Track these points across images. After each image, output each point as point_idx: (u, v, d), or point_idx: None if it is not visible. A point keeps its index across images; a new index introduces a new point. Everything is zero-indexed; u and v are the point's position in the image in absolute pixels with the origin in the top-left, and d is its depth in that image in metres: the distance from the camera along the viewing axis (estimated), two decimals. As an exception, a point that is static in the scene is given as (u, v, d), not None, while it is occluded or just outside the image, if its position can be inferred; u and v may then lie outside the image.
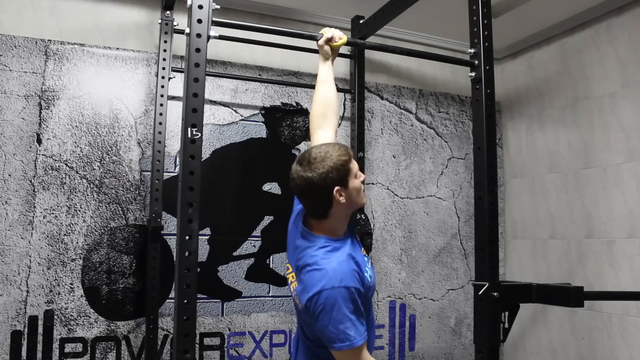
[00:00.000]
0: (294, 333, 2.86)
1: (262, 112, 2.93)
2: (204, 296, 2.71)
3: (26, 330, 2.37)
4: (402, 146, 3.27)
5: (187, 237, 1.58)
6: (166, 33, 2.58)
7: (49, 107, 2.50)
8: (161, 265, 2.53)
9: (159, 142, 2.54)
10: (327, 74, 1.87)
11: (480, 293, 1.82)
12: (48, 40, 2.53)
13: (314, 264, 1.49)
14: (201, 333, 2.69)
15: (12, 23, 2.48)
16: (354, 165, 1.58)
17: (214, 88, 2.83)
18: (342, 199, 1.52)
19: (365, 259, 1.64)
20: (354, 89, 3.00)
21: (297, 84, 2.99)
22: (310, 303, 1.44)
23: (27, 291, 2.40)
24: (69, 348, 2.44)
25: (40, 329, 2.40)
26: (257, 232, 2.85)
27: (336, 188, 1.51)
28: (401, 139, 3.27)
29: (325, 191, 1.51)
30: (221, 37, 2.02)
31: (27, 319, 2.38)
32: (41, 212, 2.45)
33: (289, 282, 1.64)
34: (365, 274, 1.55)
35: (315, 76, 3.10)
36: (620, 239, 2.75)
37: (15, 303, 2.37)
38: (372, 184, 3.16)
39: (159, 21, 2.60)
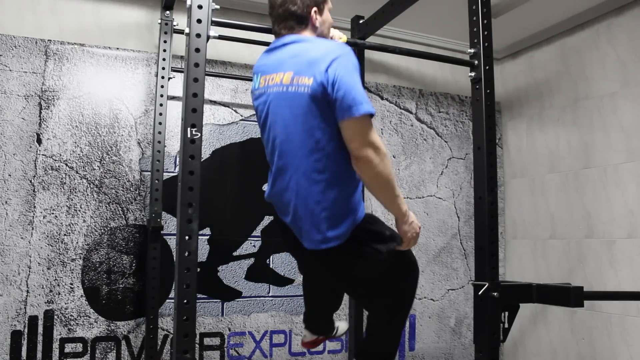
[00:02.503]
0: (294, 333, 2.87)
1: (262, 112, 2.93)
2: (204, 296, 2.71)
3: (26, 330, 2.37)
4: (402, 146, 3.27)
5: (187, 237, 1.58)
6: (166, 33, 2.58)
7: (49, 107, 2.51)
8: (161, 265, 2.53)
9: (159, 142, 2.54)
10: None
11: (480, 293, 1.82)
12: (48, 40, 2.53)
13: (316, 41, 1.60)
14: (201, 333, 2.69)
15: (12, 23, 2.48)
16: (330, 1, 1.73)
17: (214, 88, 2.83)
18: (317, 22, 1.65)
19: None
20: (354, 89, 3.00)
21: (297, 84, 2.98)
22: (332, 63, 1.47)
23: (27, 291, 2.40)
24: (69, 348, 2.44)
25: (40, 329, 2.40)
26: (257, 232, 2.85)
27: (314, 8, 1.64)
28: (401, 139, 3.27)
29: (306, 7, 1.63)
30: (221, 37, 2.02)
31: (27, 319, 2.38)
32: (41, 212, 2.45)
33: (270, 84, 1.61)
34: None
35: (315, 76, 3.10)
36: (620, 239, 2.75)
37: (15, 303, 2.37)
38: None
39: (159, 21, 2.60)
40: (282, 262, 2.89)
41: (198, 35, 1.65)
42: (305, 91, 1.50)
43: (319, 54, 1.51)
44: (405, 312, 1.81)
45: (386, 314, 1.79)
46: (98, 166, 2.57)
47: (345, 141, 1.50)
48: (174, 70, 2.63)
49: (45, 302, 2.42)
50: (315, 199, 1.54)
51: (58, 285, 2.45)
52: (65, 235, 2.48)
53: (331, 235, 1.54)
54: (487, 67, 1.96)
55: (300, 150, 1.54)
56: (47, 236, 2.45)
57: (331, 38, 1.88)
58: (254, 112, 2.90)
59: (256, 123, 2.91)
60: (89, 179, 2.55)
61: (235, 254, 2.81)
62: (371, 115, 1.48)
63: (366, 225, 1.60)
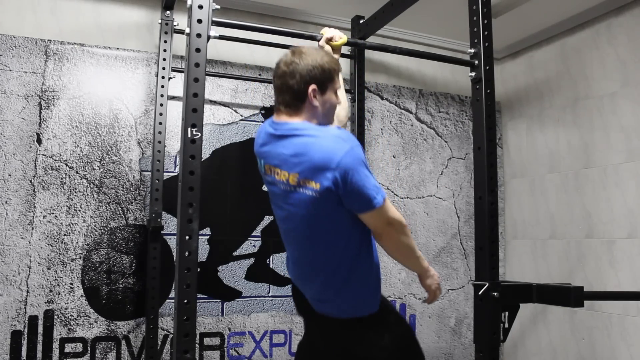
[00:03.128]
0: (294, 333, 2.86)
1: (262, 112, 2.94)
2: (204, 296, 2.71)
3: (26, 330, 2.37)
4: (402, 146, 3.27)
5: (187, 237, 1.58)
6: (166, 33, 2.58)
7: (49, 107, 2.50)
8: (161, 265, 2.53)
9: (159, 142, 2.54)
10: None
11: (480, 293, 1.82)
12: (48, 40, 2.53)
13: (316, 138, 1.48)
14: (201, 333, 2.69)
15: (12, 23, 2.48)
16: (340, 80, 1.61)
17: (214, 88, 2.83)
18: (315, 102, 1.54)
19: None
20: (354, 89, 3.00)
21: (297, 84, 2.98)
22: (335, 174, 1.42)
23: (27, 291, 2.40)
24: (69, 348, 2.44)
25: (40, 329, 2.40)
26: (257, 232, 2.85)
27: (313, 86, 1.52)
28: (401, 139, 3.27)
29: (303, 83, 1.52)
30: (221, 37, 2.02)
31: (27, 319, 2.38)
32: (41, 212, 2.45)
33: (276, 178, 1.58)
34: None
35: (315, 76, 3.10)
36: (620, 239, 2.75)
37: (15, 303, 2.37)
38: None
39: (159, 21, 2.60)
40: (282, 262, 2.89)
41: (199, 35, 1.65)
42: (313, 194, 1.47)
43: (323, 158, 1.44)
44: None
45: None
46: (98, 166, 2.57)
47: (366, 224, 1.54)
48: (174, 70, 2.63)
49: (45, 302, 2.42)
50: (329, 285, 1.58)
51: (58, 285, 2.45)
52: (65, 235, 2.48)
53: (343, 307, 1.59)
54: (488, 67, 1.96)
55: (313, 242, 1.57)
56: (47, 236, 2.45)
57: (330, 39, 1.88)
58: (254, 112, 2.92)
59: (256, 123, 2.92)
60: (89, 179, 2.55)
61: (235, 254, 2.81)
62: (384, 204, 1.49)
63: (379, 312, 1.62)
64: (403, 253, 1.62)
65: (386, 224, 1.53)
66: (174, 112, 2.69)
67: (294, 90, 1.53)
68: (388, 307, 1.70)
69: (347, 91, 3.05)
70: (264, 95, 2.95)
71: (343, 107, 1.83)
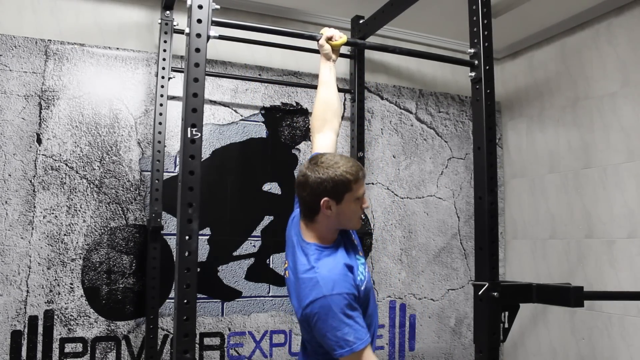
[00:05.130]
0: (294, 333, 2.87)
1: (262, 112, 2.94)
2: (204, 296, 2.71)
3: (26, 330, 2.37)
4: (402, 146, 3.27)
5: (187, 237, 1.58)
6: (166, 33, 2.58)
7: (49, 107, 2.51)
8: (161, 265, 2.53)
9: (159, 142, 2.54)
10: (328, 75, 1.87)
11: (480, 293, 1.82)
12: (48, 40, 2.53)
13: (305, 271, 1.50)
14: (201, 333, 2.69)
15: (12, 23, 2.48)
16: (358, 187, 1.54)
17: (214, 88, 2.83)
18: (329, 213, 1.52)
19: (360, 261, 1.63)
20: (354, 89, 3.00)
21: (297, 84, 2.99)
22: (304, 313, 1.46)
23: (27, 291, 2.40)
24: (69, 348, 2.44)
25: (40, 329, 2.40)
26: (257, 232, 2.85)
27: (325, 198, 1.50)
28: (401, 139, 3.27)
29: (316, 196, 1.51)
30: (221, 37, 2.02)
31: (27, 319, 2.38)
32: (41, 212, 2.45)
33: (286, 277, 1.65)
34: (357, 276, 1.55)
35: (315, 76, 3.10)
36: (620, 239, 2.75)
37: (15, 303, 2.37)
38: (372, 184, 3.16)
39: (159, 21, 2.60)
40: (282, 262, 2.89)
41: (198, 35, 1.65)
42: (298, 316, 1.55)
43: (300, 293, 1.48)
44: None
45: None
46: (98, 166, 2.57)
47: None
48: (174, 70, 2.63)
49: (45, 302, 2.42)
50: None
51: (58, 285, 2.45)
52: (65, 235, 2.48)
53: None
54: (487, 67, 1.96)
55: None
56: (47, 236, 2.45)
57: (330, 38, 1.88)
58: (254, 112, 2.92)
59: (256, 123, 2.92)
60: (89, 179, 2.55)
61: (235, 254, 2.81)
62: (348, 356, 1.42)
63: None
64: None
65: None
66: (174, 112, 2.69)
67: (307, 203, 1.55)
68: None
69: (347, 91, 3.06)
70: (264, 95, 2.95)
71: (339, 105, 1.84)
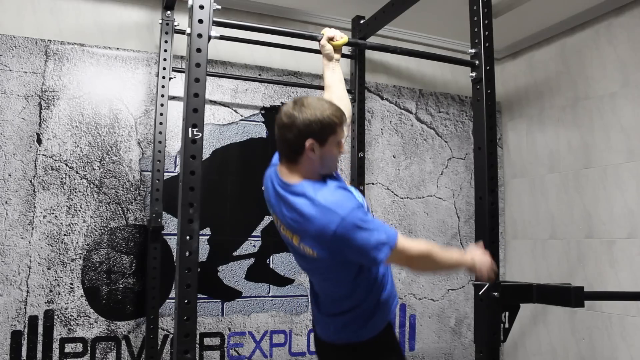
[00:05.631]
0: (294, 333, 2.87)
1: (262, 112, 2.93)
2: (204, 296, 2.70)
3: (26, 330, 2.37)
4: (402, 146, 3.27)
5: (187, 237, 1.58)
6: (167, 33, 2.57)
7: (49, 107, 2.50)
8: (161, 265, 2.53)
9: (159, 142, 2.54)
10: (332, 78, 1.87)
11: (480, 293, 1.82)
12: (48, 40, 2.53)
13: (310, 207, 1.47)
14: (201, 333, 2.69)
15: (12, 23, 2.48)
16: (341, 132, 1.56)
17: (214, 88, 2.83)
18: (312, 155, 1.51)
19: (352, 188, 1.66)
20: (354, 89, 3.00)
21: (297, 84, 2.99)
22: (332, 245, 1.44)
23: (27, 291, 2.40)
24: (69, 348, 2.44)
25: (40, 329, 2.39)
26: (257, 232, 2.85)
27: (310, 140, 1.49)
28: (401, 139, 3.27)
29: (301, 137, 1.50)
30: (222, 37, 2.02)
31: (27, 319, 2.38)
32: (41, 212, 2.45)
33: (281, 230, 1.62)
34: (357, 197, 1.57)
35: (315, 76, 3.11)
36: (620, 239, 2.75)
37: (15, 303, 2.37)
38: (372, 184, 3.16)
39: (160, 21, 2.60)
40: (282, 262, 2.89)
41: (199, 36, 1.65)
42: (314, 256, 1.50)
43: (317, 230, 1.44)
44: None
45: None
46: (98, 166, 2.57)
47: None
48: (175, 70, 2.63)
49: (45, 302, 2.42)
50: (335, 311, 1.64)
51: (58, 285, 2.45)
52: (65, 235, 2.48)
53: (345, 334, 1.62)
54: (488, 67, 1.96)
55: (323, 283, 1.65)
56: (47, 236, 2.45)
57: (331, 39, 1.87)
58: (254, 112, 2.92)
59: (256, 123, 2.92)
60: (89, 179, 2.54)
61: (235, 254, 2.81)
62: (390, 253, 1.46)
63: (381, 338, 1.65)
64: (437, 272, 1.71)
65: (404, 263, 1.58)
66: (174, 112, 2.68)
67: (291, 144, 1.52)
68: (389, 337, 1.69)
69: (347, 91, 3.05)
70: (264, 95, 2.95)
71: (346, 108, 1.82)
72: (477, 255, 1.67)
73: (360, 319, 1.61)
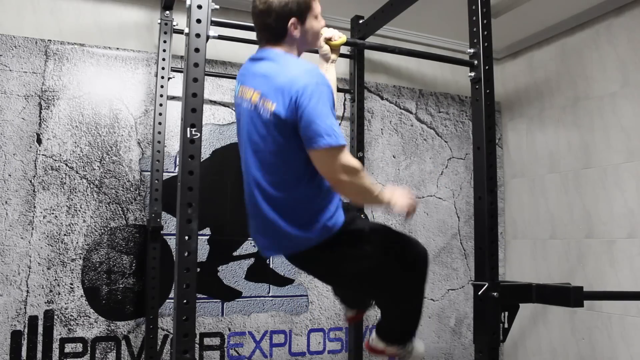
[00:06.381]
0: (294, 333, 2.87)
1: (262, 112, 2.93)
2: (204, 296, 2.71)
3: (26, 330, 2.37)
4: (402, 146, 3.27)
5: (186, 237, 1.58)
6: (166, 33, 2.58)
7: (49, 107, 2.51)
8: (161, 265, 2.53)
9: (159, 142, 2.54)
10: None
11: (480, 293, 1.82)
12: (48, 40, 2.53)
13: (287, 65, 1.52)
14: (201, 333, 2.69)
15: (12, 23, 2.48)
16: (317, 6, 1.61)
17: (213, 88, 2.83)
18: (296, 33, 1.57)
19: None
20: (354, 89, 3.00)
21: (297, 84, 2.98)
22: (297, 95, 1.44)
23: (27, 291, 2.40)
24: (69, 348, 2.44)
25: (40, 329, 2.40)
26: (257, 232, 2.85)
27: (292, 20, 1.55)
28: (401, 139, 3.27)
29: (282, 20, 1.54)
30: (220, 37, 2.02)
31: (27, 319, 2.38)
32: (41, 212, 2.45)
33: (244, 97, 1.60)
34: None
35: (315, 76, 3.09)
36: (620, 239, 2.75)
37: (15, 303, 2.37)
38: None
39: (159, 21, 2.60)
40: (282, 262, 2.89)
41: (198, 35, 1.65)
42: (268, 116, 1.49)
43: (285, 81, 1.47)
44: (414, 300, 1.77)
45: (391, 304, 1.78)
46: (98, 166, 2.57)
47: (317, 168, 1.52)
48: (174, 70, 2.63)
49: (45, 302, 2.42)
50: (276, 209, 1.57)
51: (58, 285, 2.45)
52: (65, 235, 2.48)
53: (303, 237, 1.57)
54: (487, 67, 1.96)
55: (262, 167, 1.58)
56: (47, 236, 2.45)
57: (329, 39, 1.87)
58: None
59: (256, 123, 2.92)
60: (89, 179, 2.55)
61: (235, 254, 2.81)
62: (335, 147, 1.45)
63: (345, 227, 1.62)
64: (359, 198, 1.63)
65: (334, 171, 1.49)
66: (174, 112, 2.69)
67: (273, 28, 1.56)
68: (353, 224, 1.66)
69: (347, 91, 3.05)
70: (264, 95, 2.95)
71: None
72: (397, 192, 1.64)
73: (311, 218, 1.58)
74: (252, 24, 1.84)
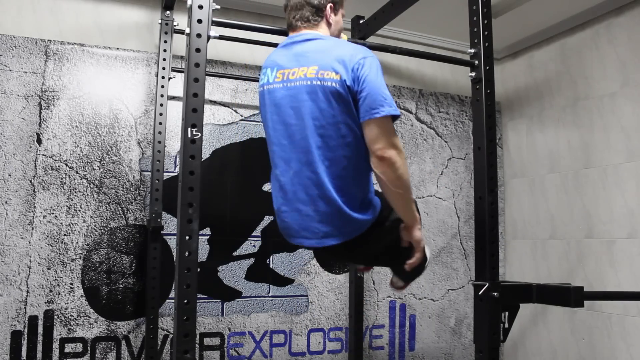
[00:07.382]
0: (294, 333, 2.86)
1: (262, 112, 2.93)
2: (204, 296, 2.71)
3: (26, 330, 2.37)
4: (402, 146, 3.27)
5: (187, 237, 1.58)
6: (166, 33, 2.58)
7: (49, 107, 2.50)
8: (161, 265, 2.53)
9: (159, 142, 2.54)
10: None
11: (480, 293, 1.82)
12: (48, 40, 2.53)
13: (338, 41, 1.65)
14: (201, 333, 2.69)
15: (12, 23, 2.48)
16: (343, 9, 1.76)
17: (214, 88, 2.83)
18: (331, 19, 1.68)
19: None
20: (354, 89, 3.00)
21: (297, 84, 2.99)
22: (359, 65, 1.51)
23: (27, 291, 2.40)
24: (69, 348, 2.44)
25: (40, 329, 2.40)
26: (257, 232, 2.85)
27: (331, 4, 1.67)
28: (401, 139, 3.27)
29: (322, 3, 1.66)
30: (221, 37, 2.02)
31: (27, 319, 2.38)
32: (41, 212, 2.45)
33: (290, 78, 1.62)
34: None
35: (315, 76, 3.09)
36: (620, 239, 2.75)
37: (15, 303, 2.37)
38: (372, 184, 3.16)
39: (159, 21, 2.60)
40: (282, 262, 2.89)
41: (199, 36, 1.65)
42: (331, 85, 1.52)
43: (346, 52, 1.54)
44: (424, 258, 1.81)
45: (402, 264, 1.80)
46: (98, 166, 2.57)
47: (368, 142, 1.53)
48: (174, 70, 2.63)
49: (45, 302, 2.42)
50: (338, 191, 1.56)
51: (58, 285, 2.45)
52: (65, 235, 2.48)
53: (362, 219, 1.59)
54: (488, 67, 1.96)
55: (323, 143, 1.55)
56: (47, 236, 2.45)
57: None
58: (255, 112, 2.92)
59: (256, 123, 2.92)
60: (89, 179, 2.55)
61: (235, 254, 2.81)
62: (394, 118, 1.52)
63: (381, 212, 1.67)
64: (400, 187, 1.54)
65: (389, 145, 1.50)
66: (174, 112, 2.69)
67: (314, 5, 1.65)
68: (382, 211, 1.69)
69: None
70: (264, 95, 2.94)
71: None
72: (423, 239, 1.68)
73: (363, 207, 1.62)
74: (252, 24, 1.85)
